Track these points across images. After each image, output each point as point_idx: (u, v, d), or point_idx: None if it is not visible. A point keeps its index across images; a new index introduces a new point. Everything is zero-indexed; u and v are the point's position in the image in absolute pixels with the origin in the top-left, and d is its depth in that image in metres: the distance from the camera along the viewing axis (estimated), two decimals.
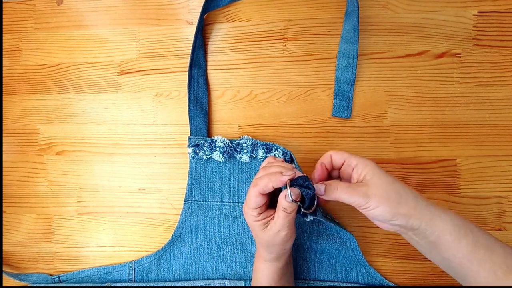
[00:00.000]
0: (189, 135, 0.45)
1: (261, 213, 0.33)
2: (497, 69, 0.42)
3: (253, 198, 0.32)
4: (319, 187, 0.31)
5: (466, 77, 0.42)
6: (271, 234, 0.32)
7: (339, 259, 0.44)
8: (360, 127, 0.44)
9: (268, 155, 0.43)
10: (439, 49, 0.42)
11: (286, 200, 0.30)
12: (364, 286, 0.43)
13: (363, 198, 0.30)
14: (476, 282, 0.29)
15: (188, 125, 0.45)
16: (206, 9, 0.44)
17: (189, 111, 0.44)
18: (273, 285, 0.37)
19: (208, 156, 0.44)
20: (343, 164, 0.33)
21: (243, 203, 0.45)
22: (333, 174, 0.36)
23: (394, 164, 0.44)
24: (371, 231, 0.44)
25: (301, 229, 0.44)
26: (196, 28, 0.43)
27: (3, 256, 0.51)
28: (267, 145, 0.43)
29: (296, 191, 0.30)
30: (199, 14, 0.43)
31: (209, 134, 0.46)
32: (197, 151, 0.44)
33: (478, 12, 0.41)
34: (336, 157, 0.34)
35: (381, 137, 0.44)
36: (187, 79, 0.44)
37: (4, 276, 0.49)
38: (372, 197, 0.30)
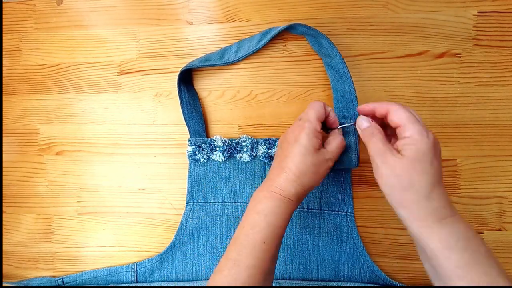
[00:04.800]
0: (189, 138, 0.45)
1: (320, 132, 0.34)
2: (497, 69, 0.42)
3: (320, 108, 0.34)
4: (363, 121, 0.33)
5: (466, 77, 0.42)
6: (322, 159, 0.33)
7: (342, 256, 0.44)
8: None
9: (270, 151, 0.43)
10: (439, 49, 0.42)
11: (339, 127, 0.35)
12: (368, 286, 0.43)
13: (383, 159, 0.29)
14: None
15: None
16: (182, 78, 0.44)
17: (184, 116, 0.44)
18: (281, 229, 0.32)
19: (205, 159, 0.44)
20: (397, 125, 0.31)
21: (244, 203, 0.45)
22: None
23: None
24: (371, 231, 0.44)
25: (303, 224, 0.44)
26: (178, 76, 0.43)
27: (3, 256, 0.51)
28: (270, 140, 0.43)
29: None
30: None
31: (208, 135, 0.46)
32: (196, 152, 0.44)
33: (478, 12, 0.41)
34: (396, 117, 0.30)
35: None
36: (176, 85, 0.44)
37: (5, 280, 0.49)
38: (387, 164, 0.29)
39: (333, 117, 0.36)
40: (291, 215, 0.33)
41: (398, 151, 0.30)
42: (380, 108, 0.32)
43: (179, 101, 0.44)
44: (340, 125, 0.37)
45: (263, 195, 0.33)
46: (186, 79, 0.45)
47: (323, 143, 0.35)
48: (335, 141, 0.34)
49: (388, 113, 0.31)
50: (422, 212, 0.28)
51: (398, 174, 0.28)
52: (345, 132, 0.37)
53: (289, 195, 0.32)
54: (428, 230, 0.27)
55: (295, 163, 0.32)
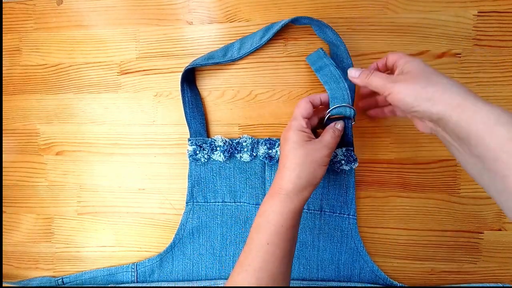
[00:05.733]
0: (189, 137, 0.45)
1: (307, 127, 0.35)
2: (497, 69, 0.42)
3: (304, 104, 0.35)
4: (353, 70, 0.35)
5: (466, 77, 0.42)
6: (314, 147, 0.33)
7: (342, 256, 0.44)
8: (360, 127, 0.44)
9: (270, 151, 0.43)
10: (439, 49, 0.42)
11: (336, 126, 0.36)
12: (368, 286, 0.43)
13: (391, 82, 0.30)
14: None
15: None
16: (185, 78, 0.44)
17: (185, 115, 0.44)
18: (284, 228, 0.32)
19: (206, 159, 0.44)
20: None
21: (244, 203, 0.45)
22: None
23: (394, 164, 0.44)
24: (371, 231, 0.45)
25: (303, 225, 0.44)
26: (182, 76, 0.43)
27: (3, 256, 0.51)
28: (270, 141, 0.43)
29: (343, 123, 0.37)
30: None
31: (208, 135, 0.46)
32: (197, 152, 0.44)
33: (478, 12, 0.41)
34: (391, 57, 0.34)
35: (381, 137, 0.44)
36: (179, 83, 0.44)
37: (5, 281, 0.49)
38: (399, 82, 0.30)
39: (325, 100, 0.37)
40: (296, 214, 0.33)
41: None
42: (379, 60, 0.36)
43: (181, 100, 0.44)
44: (331, 107, 0.37)
45: (266, 197, 0.34)
46: (189, 78, 0.45)
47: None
48: (328, 133, 0.35)
49: (386, 59, 0.35)
50: (454, 99, 0.27)
51: (414, 77, 0.30)
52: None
53: (287, 191, 0.33)
54: (469, 113, 0.26)
55: (289, 159, 0.33)
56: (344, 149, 0.41)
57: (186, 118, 0.44)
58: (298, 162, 0.33)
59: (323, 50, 0.40)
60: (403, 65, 0.32)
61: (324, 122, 0.38)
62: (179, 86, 0.44)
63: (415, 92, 0.29)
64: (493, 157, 0.25)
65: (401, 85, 0.30)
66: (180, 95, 0.44)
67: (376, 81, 0.32)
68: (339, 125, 0.36)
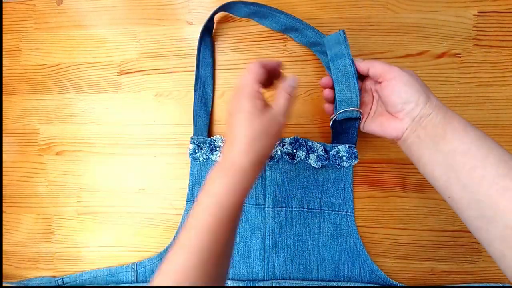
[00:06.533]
0: (192, 135, 0.45)
1: (261, 93, 0.31)
2: (497, 69, 0.42)
3: (257, 69, 0.31)
4: (359, 60, 0.36)
5: (466, 77, 0.42)
6: (271, 117, 0.30)
7: (342, 256, 0.44)
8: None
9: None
10: (439, 49, 0.42)
11: (289, 84, 0.33)
12: (368, 286, 0.43)
13: (397, 68, 0.33)
14: (484, 172, 0.27)
15: (188, 125, 0.45)
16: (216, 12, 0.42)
17: (193, 111, 0.44)
18: (236, 208, 0.29)
19: (204, 159, 0.44)
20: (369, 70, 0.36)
21: (244, 202, 0.44)
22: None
23: (394, 164, 0.44)
24: (371, 231, 0.45)
25: (303, 224, 0.44)
26: (202, 28, 0.42)
27: (3, 256, 0.51)
28: None
29: (295, 78, 0.34)
30: (204, 13, 0.43)
31: (210, 135, 0.46)
32: (196, 151, 0.44)
33: (478, 12, 0.41)
34: (362, 64, 0.36)
35: (381, 137, 0.44)
36: (194, 78, 0.44)
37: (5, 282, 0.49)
38: (405, 71, 0.33)
39: (276, 68, 0.34)
40: (249, 187, 0.30)
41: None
42: (363, 68, 0.36)
43: (193, 97, 0.44)
44: (339, 111, 0.37)
45: (216, 174, 0.30)
46: (205, 74, 0.44)
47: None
48: (281, 96, 0.32)
49: (369, 68, 0.35)
50: (440, 103, 0.32)
51: (409, 78, 0.32)
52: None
53: (243, 166, 0.29)
54: (450, 113, 0.31)
55: (243, 132, 0.29)
56: (347, 145, 0.41)
57: (193, 115, 0.44)
58: (255, 135, 0.29)
59: (344, 33, 0.37)
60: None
61: (331, 125, 0.39)
62: (194, 80, 0.44)
63: (418, 84, 0.32)
64: (464, 150, 0.29)
65: (407, 74, 0.32)
66: (182, 95, 0.44)
67: (380, 64, 0.34)
68: (292, 81, 0.33)
